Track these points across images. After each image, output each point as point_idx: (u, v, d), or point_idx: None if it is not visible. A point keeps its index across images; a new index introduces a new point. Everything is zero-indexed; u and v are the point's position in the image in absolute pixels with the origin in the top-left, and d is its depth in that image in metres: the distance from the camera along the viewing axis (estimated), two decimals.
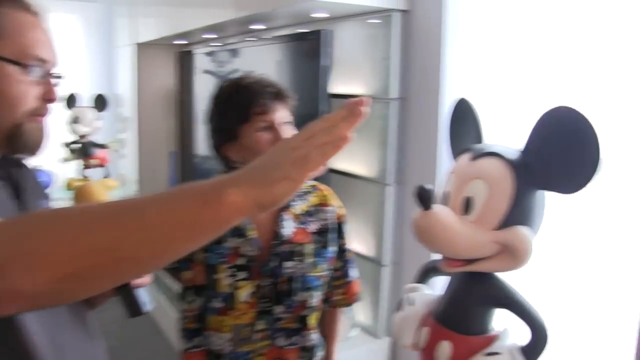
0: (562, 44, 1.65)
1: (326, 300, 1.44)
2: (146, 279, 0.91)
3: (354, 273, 1.49)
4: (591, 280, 1.60)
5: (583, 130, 0.95)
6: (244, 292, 1.29)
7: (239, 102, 1.26)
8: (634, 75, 1.48)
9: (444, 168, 1.97)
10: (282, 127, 1.26)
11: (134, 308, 0.89)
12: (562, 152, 1.00)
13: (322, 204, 1.41)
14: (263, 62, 2.78)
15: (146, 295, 0.91)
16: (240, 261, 1.29)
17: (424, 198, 1.05)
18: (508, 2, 1.84)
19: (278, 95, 1.28)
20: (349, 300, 1.49)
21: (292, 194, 0.61)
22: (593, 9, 1.57)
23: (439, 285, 1.32)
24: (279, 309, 1.31)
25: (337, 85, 2.44)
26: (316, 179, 1.44)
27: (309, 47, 2.37)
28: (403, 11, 2.16)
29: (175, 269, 1.34)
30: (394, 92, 2.20)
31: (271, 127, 1.25)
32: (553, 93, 1.65)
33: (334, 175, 2.43)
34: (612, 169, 1.42)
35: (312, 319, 1.36)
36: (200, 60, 3.67)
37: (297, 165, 0.59)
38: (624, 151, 1.47)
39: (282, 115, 1.27)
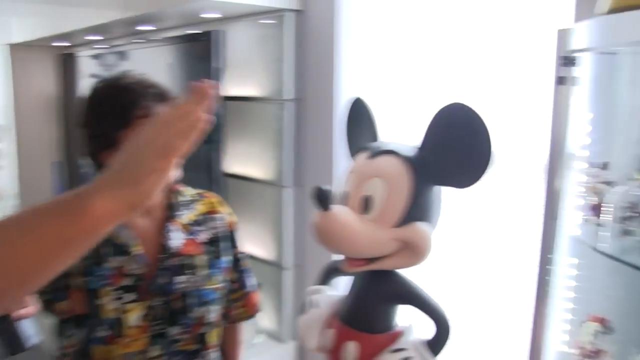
0: (456, 42, 1.71)
1: (225, 316, 1.35)
2: (30, 309, 0.82)
3: (251, 282, 1.42)
4: (489, 272, 1.66)
5: (475, 125, 0.97)
6: (133, 316, 1.16)
7: (118, 105, 1.14)
8: (526, 72, 1.56)
9: (341, 168, 1.97)
10: None
11: (15, 344, 0.80)
12: (456, 147, 1.01)
13: (211, 212, 1.33)
14: (153, 64, 2.67)
15: (31, 328, 0.81)
16: (126, 281, 1.16)
17: (322, 199, 1.03)
18: (400, 2, 1.88)
19: (162, 97, 1.18)
20: (249, 312, 1.43)
21: (162, 185, 0.59)
22: (488, 8, 1.64)
23: (342, 285, 1.31)
24: (174, 330, 1.20)
25: (231, 87, 2.38)
26: (207, 188, 1.37)
27: (200, 49, 2.29)
28: (296, 11, 2.14)
29: (47, 302, 1.11)
30: (289, 93, 2.18)
31: None
32: (447, 89, 1.71)
33: (230, 180, 2.37)
34: (505, 163, 1.49)
35: (212, 337, 1.27)
36: (85, 64, 3.48)
37: (161, 155, 0.58)
38: (517, 146, 1.54)
39: None
